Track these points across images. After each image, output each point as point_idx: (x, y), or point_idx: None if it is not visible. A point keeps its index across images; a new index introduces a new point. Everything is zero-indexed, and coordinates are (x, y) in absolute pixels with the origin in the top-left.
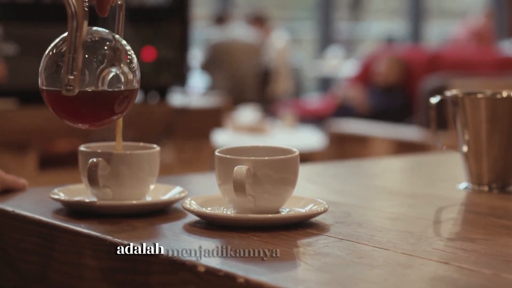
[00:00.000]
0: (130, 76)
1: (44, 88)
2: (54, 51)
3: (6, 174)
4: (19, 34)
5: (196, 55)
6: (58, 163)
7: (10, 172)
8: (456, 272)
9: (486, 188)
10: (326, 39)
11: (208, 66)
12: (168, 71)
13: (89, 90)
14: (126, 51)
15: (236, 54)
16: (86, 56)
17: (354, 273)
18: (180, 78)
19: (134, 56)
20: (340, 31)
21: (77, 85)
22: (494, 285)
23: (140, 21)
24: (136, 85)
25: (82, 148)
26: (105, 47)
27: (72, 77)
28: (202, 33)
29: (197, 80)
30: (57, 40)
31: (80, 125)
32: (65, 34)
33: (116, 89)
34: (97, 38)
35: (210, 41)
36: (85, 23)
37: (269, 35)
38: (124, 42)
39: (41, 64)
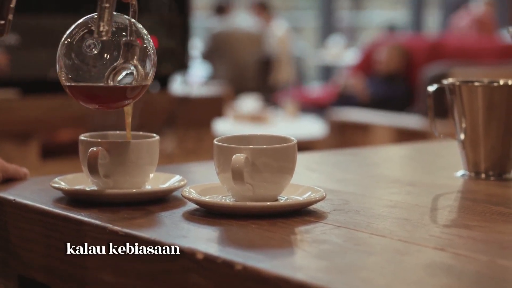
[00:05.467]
0: (142, 72)
1: (66, 84)
2: (69, 40)
3: (8, 164)
4: (21, 25)
5: (197, 45)
6: (60, 152)
7: (12, 162)
8: (452, 258)
9: (483, 176)
10: (327, 28)
11: (209, 56)
12: (170, 61)
13: (103, 85)
14: (143, 41)
15: (237, 43)
16: (100, 50)
17: (352, 260)
18: (181, 67)
19: (150, 44)
20: (341, 20)
21: (109, 31)
22: (489, 271)
23: (141, 11)
24: (149, 79)
25: (82, 137)
26: (121, 41)
27: (104, 24)
28: (203, 23)
29: (198, 69)
30: (73, 27)
31: (97, 107)
32: (81, 20)
33: (128, 85)
34: (114, 29)
35: (211, 31)
36: None
37: (269, 24)
38: (142, 30)
39: (58, 51)
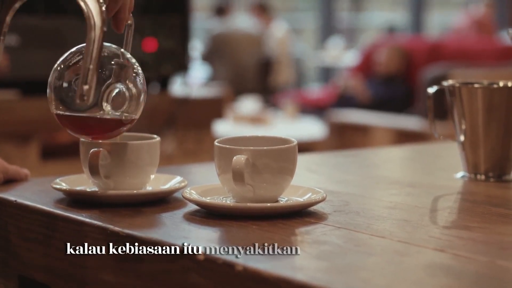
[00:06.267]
0: (135, 92)
1: (55, 112)
2: (63, 66)
3: (9, 164)
4: (21, 26)
5: (197, 46)
6: (60, 153)
7: (12, 162)
8: (452, 259)
9: (483, 177)
10: (327, 29)
11: (209, 57)
12: (169, 62)
13: (98, 116)
14: (133, 68)
15: (237, 45)
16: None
17: (352, 261)
18: (181, 68)
19: (140, 72)
20: (341, 21)
21: (91, 96)
22: (489, 272)
23: (141, 12)
24: (139, 110)
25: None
26: (112, 63)
27: (87, 87)
28: (203, 24)
29: (198, 71)
30: (67, 54)
31: (90, 139)
32: (75, 48)
33: (123, 117)
34: (105, 53)
35: (211, 32)
36: (103, 35)
37: (269, 25)
38: (132, 60)
39: (50, 77)
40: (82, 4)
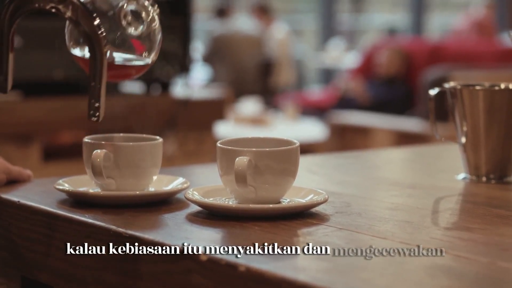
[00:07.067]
0: (152, 15)
1: (71, 52)
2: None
3: (12, 165)
4: (23, 27)
5: (198, 47)
6: (61, 154)
7: (14, 163)
8: (453, 260)
9: (484, 179)
10: (328, 31)
11: (210, 58)
12: (171, 63)
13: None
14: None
15: (238, 46)
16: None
17: (353, 261)
18: (182, 70)
19: (157, 17)
20: (342, 23)
21: (103, 112)
22: (490, 272)
23: None
24: (153, 56)
25: (86, 139)
26: None
27: (97, 104)
28: (204, 25)
29: (199, 72)
30: None
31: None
32: None
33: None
34: None
35: (212, 33)
36: (106, 48)
37: (269, 27)
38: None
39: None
40: (79, 27)
